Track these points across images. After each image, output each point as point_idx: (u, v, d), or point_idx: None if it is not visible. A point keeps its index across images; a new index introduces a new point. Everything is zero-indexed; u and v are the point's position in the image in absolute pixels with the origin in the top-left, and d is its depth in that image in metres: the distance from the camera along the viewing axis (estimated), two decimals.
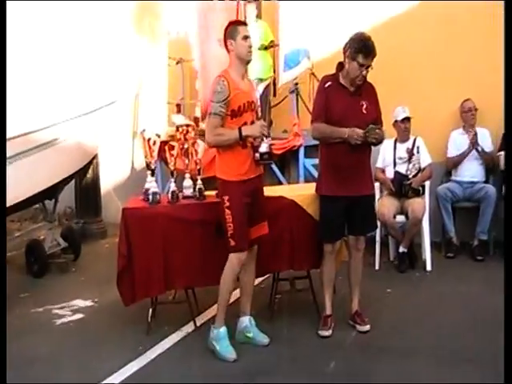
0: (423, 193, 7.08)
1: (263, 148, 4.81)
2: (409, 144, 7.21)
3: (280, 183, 7.89)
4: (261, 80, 8.38)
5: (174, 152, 5.47)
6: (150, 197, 5.30)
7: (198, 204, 5.38)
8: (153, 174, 5.51)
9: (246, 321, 5.09)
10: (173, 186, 5.40)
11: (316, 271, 5.50)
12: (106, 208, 9.16)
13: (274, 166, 7.76)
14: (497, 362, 4.50)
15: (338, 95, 5.04)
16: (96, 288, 6.46)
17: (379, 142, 5.16)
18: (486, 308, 5.64)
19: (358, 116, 4.99)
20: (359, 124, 4.95)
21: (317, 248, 5.31)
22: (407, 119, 7.15)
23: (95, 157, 8.53)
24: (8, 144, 5.51)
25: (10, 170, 5.70)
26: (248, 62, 4.94)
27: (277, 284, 5.66)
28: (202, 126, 8.19)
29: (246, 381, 4.45)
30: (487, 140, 7.61)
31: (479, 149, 7.47)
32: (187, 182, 5.51)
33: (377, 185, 7.14)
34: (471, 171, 7.54)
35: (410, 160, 7.12)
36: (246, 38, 4.80)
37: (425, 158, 7.19)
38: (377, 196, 7.07)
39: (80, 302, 6.13)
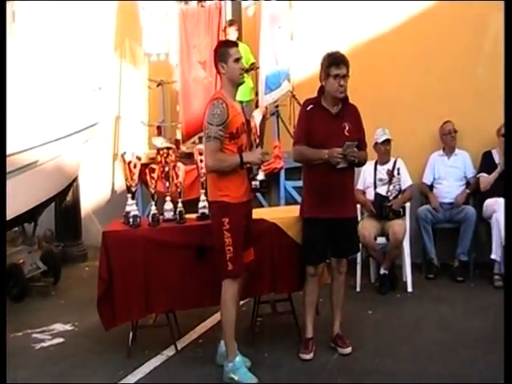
0: (404, 214, 7.11)
1: (261, 176, 4.85)
2: (389, 166, 7.25)
3: (261, 206, 7.88)
4: (241, 102, 8.39)
5: (155, 175, 5.46)
6: (131, 220, 5.29)
7: (178, 227, 5.38)
8: (133, 197, 5.51)
9: (223, 347, 5.01)
10: (153, 209, 5.38)
11: (297, 293, 5.48)
12: (87, 231, 9.11)
13: None
14: (478, 383, 4.54)
15: (320, 118, 5.06)
16: (76, 312, 6.41)
17: (361, 162, 5.21)
18: (467, 329, 5.67)
19: (341, 138, 5.00)
20: (342, 146, 4.97)
21: (298, 271, 5.30)
22: (387, 141, 7.19)
23: (75, 179, 8.49)
24: None
25: None
26: (240, 84, 4.93)
27: (258, 307, 5.63)
28: (183, 148, 8.21)
29: None
30: (468, 164, 7.68)
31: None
32: (168, 205, 5.50)
33: (358, 206, 7.16)
34: (451, 193, 7.58)
35: (390, 182, 7.16)
36: (237, 60, 4.77)
37: (405, 180, 7.23)
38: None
39: (60, 326, 6.08)
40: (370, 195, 7.24)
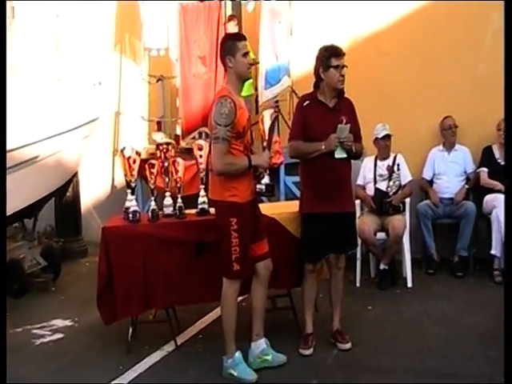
0: (404, 210, 7.11)
1: (267, 180, 4.83)
2: (389, 161, 7.24)
3: (261, 201, 7.86)
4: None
5: (154, 170, 5.47)
6: (131, 215, 5.30)
7: (178, 223, 5.39)
8: (133, 193, 5.51)
9: (263, 344, 4.97)
10: (153, 205, 5.38)
11: (297, 289, 5.48)
12: (87, 226, 9.10)
13: None
14: (477, 379, 4.54)
15: (318, 112, 5.06)
16: (76, 307, 6.42)
17: (358, 153, 5.21)
18: (467, 325, 5.67)
19: None
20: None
21: (298, 266, 5.30)
22: (388, 137, 7.18)
23: (75, 174, 8.48)
24: None
25: None
26: (247, 79, 4.90)
27: None
28: (183, 144, 8.20)
29: None
30: (469, 160, 7.67)
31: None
32: (167, 201, 5.49)
33: (357, 202, 7.17)
34: (451, 188, 7.58)
35: (390, 177, 7.16)
36: (246, 54, 4.70)
37: (405, 175, 7.23)
38: (357, 213, 7.09)
39: (60, 322, 6.08)
40: (370, 190, 7.24)
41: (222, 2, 8.36)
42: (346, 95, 5.22)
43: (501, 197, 6.75)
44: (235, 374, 4.71)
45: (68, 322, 6.09)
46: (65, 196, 8.67)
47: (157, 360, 5.14)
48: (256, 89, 8.27)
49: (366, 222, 6.93)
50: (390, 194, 7.10)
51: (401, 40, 8.01)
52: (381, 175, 7.22)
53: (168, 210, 5.48)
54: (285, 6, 8.15)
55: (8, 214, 6.20)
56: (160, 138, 8.21)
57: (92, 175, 9.31)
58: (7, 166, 6.13)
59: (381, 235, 7.02)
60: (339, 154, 5.02)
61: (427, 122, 7.93)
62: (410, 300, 6.51)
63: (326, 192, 5.02)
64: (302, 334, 5.35)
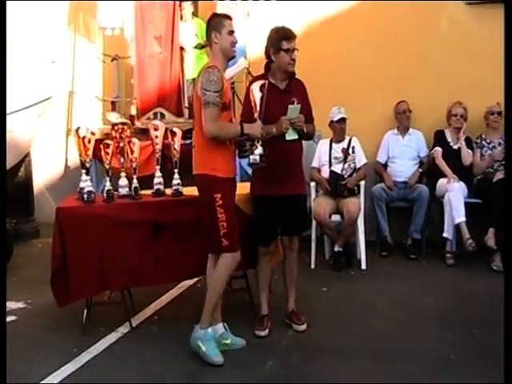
0: (358, 192, 7.16)
1: (260, 150, 4.73)
2: (344, 144, 7.28)
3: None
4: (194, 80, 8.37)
5: (110, 150, 5.38)
6: (85, 196, 5.22)
7: (133, 203, 5.34)
8: (87, 173, 5.42)
9: (221, 328, 4.97)
10: (108, 185, 5.32)
11: (253, 270, 5.49)
12: (39, 207, 8.97)
13: None
14: (430, 358, 4.62)
15: (269, 94, 5.02)
16: (29, 289, 6.32)
17: (309, 134, 5.21)
18: (420, 306, 5.75)
19: None
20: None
21: (253, 248, 5.31)
22: (343, 120, 7.21)
23: (28, 154, 8.36)
24: None
25: None
26: (231, 58, 4.87)
27: None
28: (138, 124, 8.12)
29: (185, 381, 4.44)
30: (422, 144, 7.77)
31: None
32: (123, 181, 5.44)
33: (312, 184, 7.21)
34: (405, 172, 7.66)
35: (345, 160, 7.20)
36: (231, 32, 4.69)
37: (360, 158, 7.28)
38: (312, 195, 7.13)
39: (12, 304, 5.97)
40: (325, 173, 7.27)
41: None
42: (299, 77, 5.23)
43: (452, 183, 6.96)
44: (203, 348, 4.67)
45: (21, 304, 6.00)
46: (17, 176, 8.52)
47: (112, 342, 5.09)
48: None
49: (321, 205, 6.97)
50: (345, 176, 7.14)
51: (357, 24, 8.05)
52: (336, 158, 7.25)
53: (123, 191, 5.42)
54: None
55: None
56: (115, 118, 8.13)
57: (45, 155, 9.17)
58: None
59: (336, 217, 7.06)
60: (290, 136, 5.00)
61: (382, 106, 7.99)
62: (364, 282, 6.58)
63: (278, 174, 5.00)
64: (257, 315, 5.36)
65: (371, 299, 5.99)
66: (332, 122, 7.24)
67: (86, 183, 5.30)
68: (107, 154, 5.39)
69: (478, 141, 7.60)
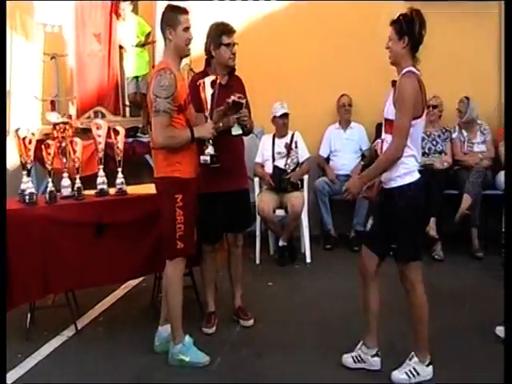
0: (302, 187, 7.22)
1: (211, 150, 4.67)
2: (287, 139, 7.32)
3: None
4: (136, 78, 8.31)
5: (51, 151, 5.30)
6: (27, 198, 5.13)
7: (77, 204, 5.28)
8: (29, 174, 5.33)
9: (169, 329, 4.88)
10: (50, 186, 5.24)
11: (198, 268, 5.48)
12: None
13: (150, 161, 7.57)
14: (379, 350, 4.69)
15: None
16: None
17: (250, 128, 5.20)
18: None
19: None
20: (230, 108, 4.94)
21: (198, 245, 5.29)
22: (285, 115, 7.25)
23: None
24: None
25: None
26: (186, 56, 4.78)
27: (159, 282, 5.57)
28: (78, 124, 8.02)
29: (131, 382, 4.42)
30: (364, 137, 7.89)
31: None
32: (65, 182, 5.37)
33: (256, 180, 7.24)
34: (347, 165, 7.75)
35: (288, 155, 7.25)
36: (187, 29, 4.58)
37: (303, 153, 7.34)
38: (256, 191, 7.16)
39: None
40: (269, 168, 7.31)
41: None
42: (240, 74, 5.25)
43: None
44: (187, 359, 4.62)
45: None
46: None
47: (57, 346, 5.04)
48: (153, 67, 8.17)
49: (264, 200, 7.00)
50: (288, 171, 7.19)
51: (298, 21, 8.10)
52: (279, 153, 7.29)
53: (66, 192, 5.35)
54: None
55: None
56: (55, 117, 8.00)
57: None
58: None
59: (280, 212, 7.11)
60: (236, 131, 5.01)
61: (324, 101, 8.07)
62: (309, 275, 6.65)
63: (224, 170, 4.90)
64: (204, 312, 5.39)
65: (316, 292, 6.05)
66: (275, 117, 7.28)
67: (27, 185, 5.20)
68: (49, 154, 5.29)
69: None
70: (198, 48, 7.88)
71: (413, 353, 4.33)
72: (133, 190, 5.55)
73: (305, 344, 4.91)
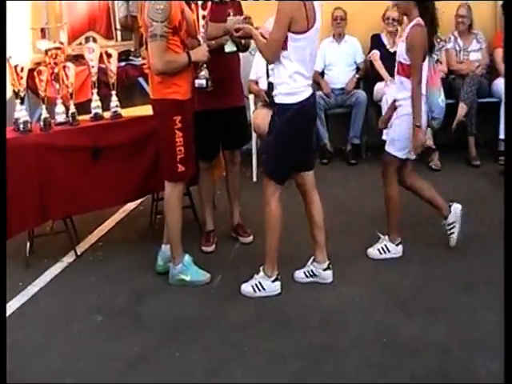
0: None
1: (205, 73, 4.61)
2: None
3: None
4: (127, 0, 8.16)
5: (44, 77, 5.25)
6: (21, 126, 5.10)
7: (72, 129, 5.25)
8: (22, 103, 5.29)
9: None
10: (44, 113, 5.20)
11: (195, 187, 5.51)
12: None
13: (144, 83, 7.52)
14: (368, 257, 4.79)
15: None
16: None
17: (246, 44, 5.18)
18: (363, 208, 5.95)
19: None
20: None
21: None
22: None
23: None
24: None
25: None
26: None
27: (157, 204, 5.64)
28: (69, 50, 7.93)
29: (134, 303, 4.50)
30: (358, 49, 7.82)
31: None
32: (59, 108, 5.33)
33: (251, 97, 7.18)
34: (342, 78, 7.70)
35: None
36: None
37: None
38: (251, 109, 7.11)
39: None
40: (263, 85, 7.22)
41: None
42: None
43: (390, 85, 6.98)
44: (187, 278, 4.68)
45: None
46: None
47: (57, 272, 5.09)
48: None
49: (260, 117, 6.89)
50: None
51: None
52: (273, 69, 7.19)
53: (60, 118, 5.31)
54: None
55: None
56: (46, 45, 7.90)
57: None
58: None
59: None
60: (229, 48, 4.95)
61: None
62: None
63: (217, 88, 4.82)
64: (203, 231, 5.44)
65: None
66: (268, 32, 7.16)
67: (21, 113, 5.16)
68: (42, 81, 5.23)
69: None
70: None
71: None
72: (127, 112, 5.53)
73: (303, 256, 4.94)
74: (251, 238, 5.37)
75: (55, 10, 8.54)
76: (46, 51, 5.50)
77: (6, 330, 3.51)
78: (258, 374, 3.62)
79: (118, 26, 8.30)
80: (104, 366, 3.77)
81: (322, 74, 7.85)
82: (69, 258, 5.31)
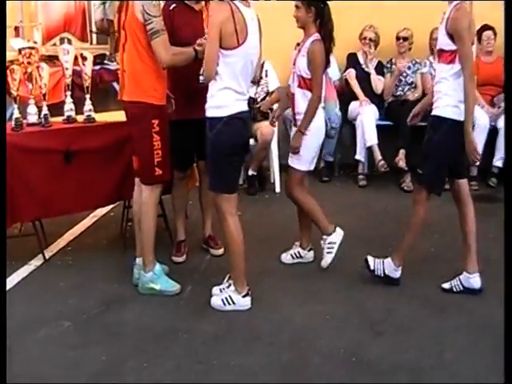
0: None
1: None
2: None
3: None
4: (103, 3, 8.09)
5: (17, 76, 5.17)
6: None
7: (45, 131, 5.18)
8: None
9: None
10: (16, 113, 5.12)
11: (168, 196, 5.45)
12: None
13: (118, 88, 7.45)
14: (346, 274, 4.83)
15: (184, 16, 4.92)
16: None
17: None
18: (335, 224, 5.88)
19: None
20: None
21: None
22: None
23: None
24: None
25: None
26: None
27: (128, 211, 5.57)
28: (43, 51, 7.83)
29: (103, 311, 4.43)
30: (335, 67, 7.80)
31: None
32: (32, 109, 5.26)
33: None
34: None
35: (258, 84, 7.17)
36: None
37: (273, 82, 7.26)
38: None
39: None
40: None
41: None
42: None
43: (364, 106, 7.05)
44: (157, 287, 4.63)
45: None
46: None
47: (25, 275, 5.02)
48: None
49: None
50: (258, 100, 7.13)
51: None
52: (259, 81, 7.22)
53: (33, 119, 5.24)
54: None
55: None
56: (19, 44, 7.81)
57: None
58: None
59: (249, 141, 7.05)
60: None
61: (294, 30, 7.91)
62: (278, 205, 6.63)
63: (196, 97, 4.80)
64: (173, 241, 5.39)
65: (286, 221, 6.04)
66: None
67: None
68: (14, 80, 5.17)
69: (389, 65, 7.71)
70: None
71: (231, 282, 4.52)
72: (101, 117, 5.46)
73: (275, 271, 4.95)
74: (222, 250, 5.32)
75: (30, 9, 8.45)
76: (20, 50, 5.42)
77: (6, 331, 3.51)
78: None
79: (94, 29, 8.21)
80: (70, 373, 3.69)
81: None
82: (37, 262, 5.23)
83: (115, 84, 7.21)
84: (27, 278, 4.99)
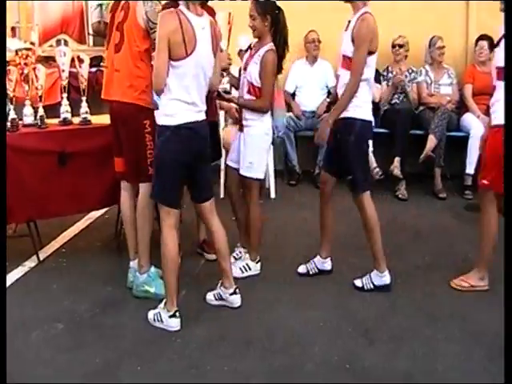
0: None
1: (227, 79, 4.78)
2: None
3: None
4: (101, 6, 8.11)
5: (13, 77, 5.17)
6: None
7: (40, 132, 5.18)
8: None
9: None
10: (12, 114, 5.12)
11: None
12: None
13: None
14: (339, 282, 4.77)
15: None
16: None
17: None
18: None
19: None
20: None
21: None
22: (251, 48, 7.13)
23: None
24: None
25: None
26: None
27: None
28: (40, 51, 7.83)
29: (97, 313, 4.41)
30: (330, 74, 7.83)
31: None
32: (28, 110, 5.25)
33: (221, 113, 7.16)
34: (313, 101, 7.71)
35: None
36: None
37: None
38: (221, 125, 7.09)
39: None
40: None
41: None
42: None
43: None
44: (151, 290, 4.62)
45: None
46: None
47: (19, 276, 5.00)
48: None
49: (230, 133, 6.94)
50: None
51: None
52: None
53: (28, 120, 5.24)
54: None
55: None
56: (16, 44, 7.81)
57: None
58: None
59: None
60: None
61: (292, 35, 7.91)
62: (273, 210, 6.63)
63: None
64: None
65: (281, 226, 6.08)
66: (241, 50, 7.16)
67: None
68: (10, 80, 5.17)
69: (385, 73, 7.72)
70: None
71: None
72: (97, 119, 5.45)
73: (269, 277, 4.95)
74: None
75: (27, 9, 8.46)
76: (17, 51, 5.41)
77: (6, 330, 3.51)
78: None
79: (91, 31, 8.22)
80: (63, 375, 3.68)
81: (294, 95, 7.86)
82: (31, 263, 5.22)
83: None
84: (21, 279, 4.97)
